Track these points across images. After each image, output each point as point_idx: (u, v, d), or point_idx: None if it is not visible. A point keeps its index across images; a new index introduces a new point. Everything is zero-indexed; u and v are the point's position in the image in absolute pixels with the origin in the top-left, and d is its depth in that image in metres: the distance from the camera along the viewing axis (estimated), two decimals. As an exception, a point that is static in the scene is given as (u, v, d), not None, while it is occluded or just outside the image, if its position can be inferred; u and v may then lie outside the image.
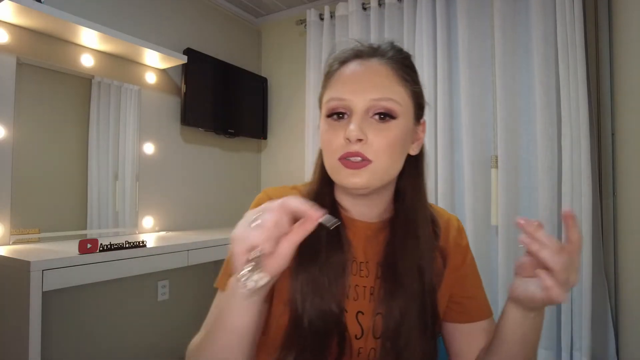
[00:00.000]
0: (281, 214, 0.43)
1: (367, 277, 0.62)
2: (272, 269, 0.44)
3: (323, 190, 0.64)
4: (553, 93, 1.73)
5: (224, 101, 2.41)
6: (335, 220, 0.45)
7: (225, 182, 2.56)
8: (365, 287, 0.61)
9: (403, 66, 0.59)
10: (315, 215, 0.44)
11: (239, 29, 2.71)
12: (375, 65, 0.58)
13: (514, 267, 0.52)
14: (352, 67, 0.59)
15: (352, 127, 0.55)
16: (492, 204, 1.87)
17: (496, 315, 1.90)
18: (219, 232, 2.12)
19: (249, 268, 0.43)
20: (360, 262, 0.62)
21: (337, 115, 0.58)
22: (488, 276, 1.87)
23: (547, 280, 0.44)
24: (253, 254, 0.43)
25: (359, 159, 0.55)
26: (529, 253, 0.47)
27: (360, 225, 0.64)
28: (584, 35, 1.63)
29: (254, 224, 0.43)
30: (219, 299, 0.62)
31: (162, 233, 2.08)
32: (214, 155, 2.48)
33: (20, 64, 1.58)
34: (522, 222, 0.46)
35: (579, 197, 1.62)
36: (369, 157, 0.55)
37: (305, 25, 2.44)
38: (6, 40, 1.54)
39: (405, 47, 2.29)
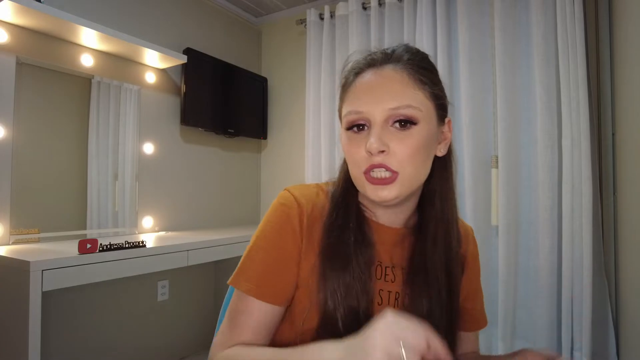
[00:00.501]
0: (427, 356, 0.41)
1: (392, 282, 0.61)
2: None
3: (347, 194, 0.63)
4: (553, 93, 1.72)
5: (223, 101, 2.41)
6: None
7: (225, 182, 2.55)
8: (390, 292, 0.61)
9: (420, 69, 0.57)
10: None
11: (239, 28, 2.70)
12: (390, 73, 0.56)
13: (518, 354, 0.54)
14: (367, 77, 0.58)
15: (372, 139, 0.54)
16: (492, 204, 1.87)
17: (495, 313, 1.89)
18: (219, 232, 2.12)
19: None
20: (386, 267, 0.62)
21: (357, 127, 0.57)
22: (488, 276, 1.86)
23: None
24: None
25: (383, 170, 0.54)
26: None
27: (387, 231, 0.63)
28: (584, 35, 1.63)
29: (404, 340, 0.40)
30: (243, 303, 0.59)
31: (162, 233, 2.08)
32: (213, 155, 2.48)
33: (20, 64, 1.58)
34: None
35: (579, 197, 1.62)
36: (394, 168, 0.54)
37: (305, 25, 2.44)
38: (6, 40, 1.53)
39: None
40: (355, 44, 2.21)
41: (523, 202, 1.83)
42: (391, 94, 0.55)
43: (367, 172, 0.55)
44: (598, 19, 1.72)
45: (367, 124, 0.56)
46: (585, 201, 1.59)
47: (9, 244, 1.52)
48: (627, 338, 1.51)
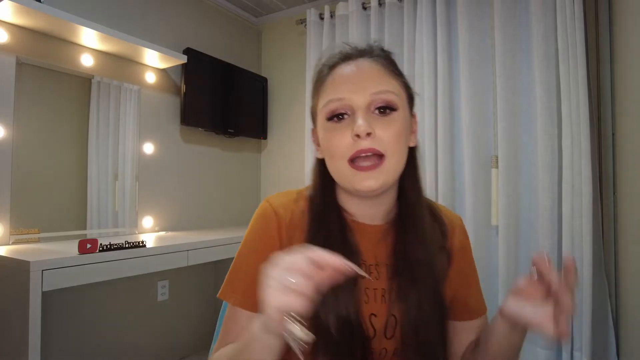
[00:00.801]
0: (313, 274, 0.43)
1: (377, 279, 0.62)
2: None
3: (325, 196, 0.64)
4: (553, 93, 1.72)
5: (223, 101, 2.41)
6: (362, 271, 0.46)
7: (225, 182, 2.55)
8: (376, 289, 0.61)
9: (390, 62, 0.61)
10: (347, 269, 0.44)
11: (239, 28, 2.70)
12: (367, 63, 0.59)
13: (511, 287, 0.53)
14: (344, 68, 0.59)
15: (360, 121, 0.54)
16: (493, 204, 1.86)
17: (492, 314, 1.88)
18: (219, 232, 2.12)
19: (295, 324, 0.43)
20: (370, 265, 0.62)
21: (337, 117, 0.58)
22: (488, 276, 1.86)
23: (562, 320, 0.46)
24: (293, 316, 0.43)
25: (370, 156, 0.55)
26: (539, 281, 0.49)
27: (368, 229, 0.64)
28: (585, 35, 1.63)
29: (288, 286, 0.42)
30: (233, 313, 0.61)
31: (162, 233, 2.08)
32: (213, 155, 2.48)
33: (19, 64, 1.58)
34: (541, 261, 0.48)
35: (579, 197, 1.62)
36: (382, 150, 0.55)
37: (305, 24, 2.44)
38: (6, 39, 1.53)
39: (406, 46, 2.26)
40: (355, 44, 2.21)
41: (523, 202, 1.83)
42: (371, 80, 0.57)
43: (352, 161, 0.56)
44: (598, 19, 1.71)
45: (349, 112, 0.57)
46: (585, 201, 1.59)
47: (9, 244, 1.52)
48: (627, 338, 1.51)
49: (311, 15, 2.39)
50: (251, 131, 2.63)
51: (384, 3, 2.15)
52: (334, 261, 0.44)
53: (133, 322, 1.97)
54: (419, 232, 0.62)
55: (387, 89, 0.57)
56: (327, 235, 0.60)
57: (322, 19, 2.38)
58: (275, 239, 0.62)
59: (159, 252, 1.59)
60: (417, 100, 0.65)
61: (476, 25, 1.92)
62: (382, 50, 0.63)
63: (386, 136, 0.55)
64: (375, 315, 0.60)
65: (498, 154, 1.83)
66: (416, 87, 2.04)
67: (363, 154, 0.55)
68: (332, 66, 0.61)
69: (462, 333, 0.67)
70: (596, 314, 1.58)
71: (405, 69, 2.08)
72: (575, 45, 1.62)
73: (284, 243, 0.62)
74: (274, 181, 2.77)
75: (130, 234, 1.95)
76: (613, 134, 1.64)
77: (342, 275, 0.44)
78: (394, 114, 0.57)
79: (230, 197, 2.58)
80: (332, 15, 2.35)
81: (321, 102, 0.60)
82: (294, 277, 0.43)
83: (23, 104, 1.60)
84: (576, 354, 1.62)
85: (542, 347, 1.69)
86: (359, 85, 0.57)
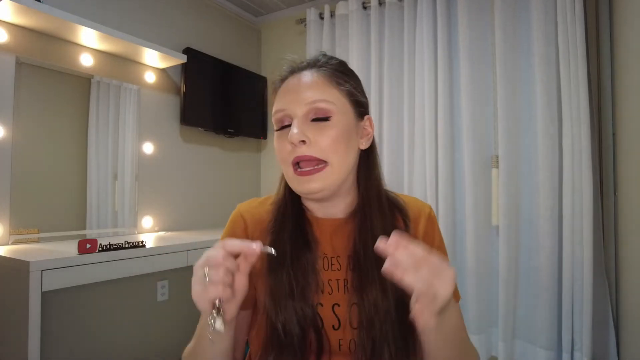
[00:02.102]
0: (225, 262, 0.50)
1: (338, 270, 0.65)
2: (235, 305, 0.53)
3: (287, 199, 0.69)
4: (554, 92, 1.72)
5: (223, 101, 2.41)
6: (271, 249, 0.55)
7: (225, 182, 2.55)
8: (338, 280, 0.65)
9: (334, 71, 0.65)
10: (253, 250, 0.51)
11: (239, 28, 2.70)
12: (308, 75, 0.64)
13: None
14: (290, 80, 0.65)
15: (293, 130, 0.60)
16: (493, 204, 1.86)
17: (495, 313, 1.89)
18: (218, 232, 2.11)
19: (214, 315, 0.49)
20: (331, 257, 0.66)
21: (283, 126, 0.64)
22: (488, 276, 1.86)
23: (416, 307, 0.45)
24: (216, 304, 0.49)
25: (312, 161, 0.60)
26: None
27: (325, 223, 0.68)
28: (585, 34, 1.63)
29: (207, 281, 0.49)
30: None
31: (162, 233, 2.08)
32: (213, 155, 2.48)
33: (19, 64, 1.58)
34: (381, 245, 0.48)
35: (579, 197, 1.62)
36: (320, 156, 0.60)
37: (305, 24, 2.44)
38: (5, 39, 1.53)
39: (406, 46, 2.25)
40: (355, 43, 2.21)
41: (523, 202, 1.83)
42: (309, 90, 0.62)
43: (294, 165, 0.61)
44: (598, 19, 1.71)
45: (290, 121, 0.63)
46: (585, 201, 1.59)
47: (8, 244, 1.52)
48: (627, 338, 1.51)
49: (311, 14, 2.39)
50: (251, 131, 2.63)
51: (384, 2, 2.15)
52: (243, 246, 0.51)
53: (133, 322, 1.96)
54: (375, 223, 0.64)
55: (323, 98, 0.61)
56: (281, 227, 0.66)
57: (322, 18, 2.38)
58: (241, 238, 0.66)
59: (159, 252, 1.59)
60: (417, 100, 0.67)
61: (476, 25, 1.92)
62: (330, 58, 0.67)
63: (322, 141, 0.60)
64: (338, 305, 0.63)
65: (498, 154, 1.83)
66: (416, 87, 2.04)
67: (304, 159, 0.60)
68: (282, 79, 0.68)
69: None
70: (596, 314, 1.58)
71: (405, 69, 2.09)
72: (575, 45, 1.62)
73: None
74: (274, 181, 2.73)
75: (129, 234, 1.95)
76: (613, 134, 1.64)
77: (255, 257, 0.52)
78: (330, 121, 0.61)
79: (230, 197, 2.58)
80: (332, 15, 2.34)
81: (272, 113, 0.67)
82: (210, 269, 0.49)
83: (23, 103, 1.59)
84: (576, 354, 1.62)
85: (543, 347, 1.69)
86: (298, 96, 0.62)
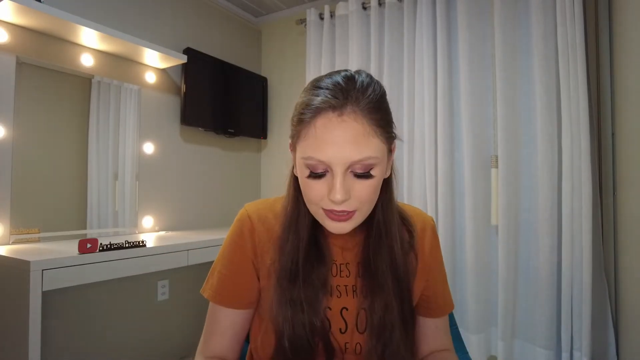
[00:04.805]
0: None
1: (347, 277, 0.66)
2: None
3: (299, 210, 0.65)
4: (553, 93, 1.72)
5: (223, 101, 2.41)
6: None
7: (225, 182, 2.55)
8: (347, 285, 0.66)
9: (376, 110, 0.56)
10: None
11: (239, 28, 2.70)
12: (350, 122, 0.54)
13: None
14: (327, 123, 0.54)
15: (337, 189, 0.55)
16: (492, 204, 1.87)
17: (495, 313, 1.88)
18: (219, 232, 2.12)
19: None
20: (340, 264, 0.67)
21: (317, 174, 0.57)
22: (488, 276, 1.86)
23: None
24: None
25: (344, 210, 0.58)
26: None
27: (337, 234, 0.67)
28: (584, 35, 1.63)
29: None
30: (210, 307, 0.69)
31: (162, 233, 2.08)
32: (213, 155, 2.48)
33: (19, 64, 1.58)
34: None
35: (579, 197, 1.62)
36: (353, 208, 0.57)
37: (305, 24, 2.44)
38: (6, 39, 1.53)
39: (405, 46, 2.25)
40: (355, 44, 2.21)
41: (523, 202, 1.83)
42: (353, 144, 0.54)
43: (326, 210, 0.58)
44: (598, 19, 1.71)
45: (328, 170, 0.56)
46: (585, 201, 1.59)
47: (9, 244, 1.52)
48: (627, 338, 1.51)
49: (311, 15, 2.39)
50: (251, 131, 2.63)
51: (384, 3, 2.15)
52: None
53: (133, 322, 1.97)
54: (384, 241, 0.65)
55: (369, 154, 0.55)
56: (298, 243, 0.64)
57: (322, 19, 2.38)
58: (247, 241, 0.67)
59: (159, 251, 1.59)
60: (417, 100, 0.66)
61: (476, 25, 1.92)
62: (372, 92, 0.56)
63: (362, 195, 0.57)
64: (347, 309, 0.64)
65: (498, 154, 1.83)
66: (416, 87, 2.05)
67: (337, 212, 0.57)
68: (314, 114, 0.55)
69: (429, 329, 0.72)
70: (595, 314, 1.58)
71: (405, 69, 2.09)
72: (575, 45, 1.62)
73: (257, 246, 0.67)
74: (274, 181, 2.77)
75: (130, 234, 1.95)
76: (613, 134, 1.64)
77: None
78: (373, 173, 0.57)
79: (230, 197, 2.58)
80: (332, 15, 2.35)
81: (300, 150, 0.58)
82: None
83: (23, 103, 1.60)
84: (576, 354, 1.62)
85: (542, 347, 1.69)
86: (340, 148, 0.54)
